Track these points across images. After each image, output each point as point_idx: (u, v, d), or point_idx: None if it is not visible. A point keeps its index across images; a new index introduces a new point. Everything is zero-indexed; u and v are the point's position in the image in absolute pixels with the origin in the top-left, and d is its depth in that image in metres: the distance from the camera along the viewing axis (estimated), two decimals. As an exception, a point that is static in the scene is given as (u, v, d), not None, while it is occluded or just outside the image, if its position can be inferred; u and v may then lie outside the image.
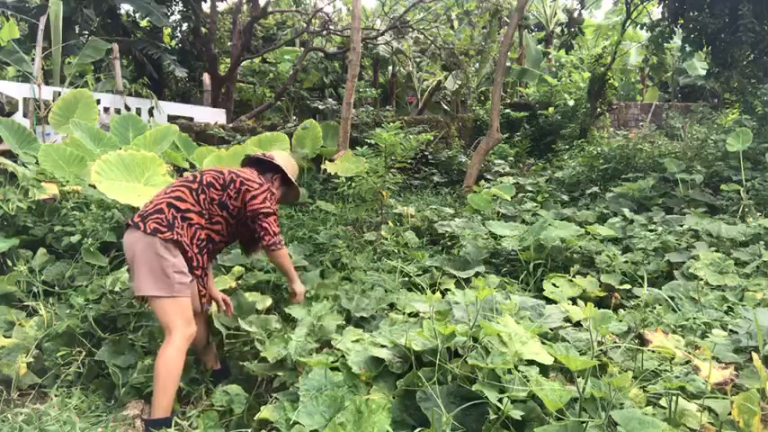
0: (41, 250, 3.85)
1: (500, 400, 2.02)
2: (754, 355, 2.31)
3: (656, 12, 11.32)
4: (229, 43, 14.01)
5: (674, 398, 2.21)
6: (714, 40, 8.38)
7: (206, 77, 12.25)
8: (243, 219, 2.96)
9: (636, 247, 4.90)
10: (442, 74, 14.91)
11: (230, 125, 9.52)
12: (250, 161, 3.27)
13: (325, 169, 7.08)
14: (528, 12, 17.25)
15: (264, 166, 3.21)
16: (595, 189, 7.68)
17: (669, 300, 3.66)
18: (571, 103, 12.70)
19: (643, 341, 2.88)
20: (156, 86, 11.97)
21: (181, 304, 2.66)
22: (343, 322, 3.28)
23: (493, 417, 2.02)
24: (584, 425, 1.97)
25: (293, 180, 3.26)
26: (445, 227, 5.54)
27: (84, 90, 6.58)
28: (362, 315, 3.49)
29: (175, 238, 2.66)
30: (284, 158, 3.29)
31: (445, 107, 14.90)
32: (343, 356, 2.50)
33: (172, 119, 9.26)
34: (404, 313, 3.38)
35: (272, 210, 2.98)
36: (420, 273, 4.51)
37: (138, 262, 2.64)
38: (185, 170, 6.12)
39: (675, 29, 8.85)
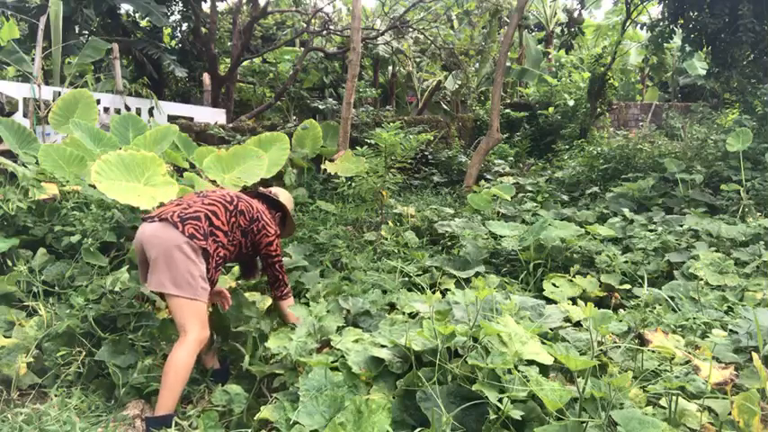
0: (41, 250, 3.84)
1: (500, 400, 2.01)
2: (754, 355, 2.31)
3: (655, 11, 11.33)
4: (229, 43, 14.01)
5: (674, 398, 2.21)
6: (714, 40, 8.38)
7: (206, 77, 12.25)
8: (252, 250, 3.17)
9: (636, 247, 4.90)
10: (441, 74, 14.91)
11: (230, 125, 9.51)
12: (260, 196, 3.46)
13: (325, 169, 7.09)
14: (528, 12, 17.25)
15: (269, 201, 3.43)
16: (595, 189, 7.68)
17: (669, 300, 3.66)
18: (571, 103, 12.70)
19: (643, 341, 2.88)
20: (156, 86, 11.95)
21: (199, 308, 2.70)
22: (343, 323, 3.28)
23: (493, 417, 2.02)
24: (584, 425, 1.97)
25: (293, 220, 3.58)
26: (445, 227, 5.54)
27: (84, 90, 6.57)
28: (362, 315, 3.49)
29: (207, 248, 2.75)
30: (285, 197, 3.53)
31: (445, 107, 14.90)
32: (343, 356, 2.50)
33: (172, 119, 9.25)
34: (404, 313, 3.38)
35: (281, 255, 3.30)
36: (420, 273, 4.51)
37: (165, 259, 2.65)
38: (185, 170, 6.12)
39: (675, 29, 8.85)
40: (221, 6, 15.16)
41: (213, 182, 5.33)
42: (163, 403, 2.58)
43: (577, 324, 3.29)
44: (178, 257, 2.65)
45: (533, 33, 19.42)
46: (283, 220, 3.52)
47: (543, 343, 2.43)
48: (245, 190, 4.08)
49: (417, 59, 15.40)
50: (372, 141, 5.76)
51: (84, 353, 3.04)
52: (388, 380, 2.37)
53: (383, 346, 2.53)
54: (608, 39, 18.98)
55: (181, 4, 13.14)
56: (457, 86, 14.57)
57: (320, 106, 11.88)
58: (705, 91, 15.27)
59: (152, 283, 2.70)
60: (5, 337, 3.08)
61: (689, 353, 2.72)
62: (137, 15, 13.53)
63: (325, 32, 13.18)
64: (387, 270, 4.48)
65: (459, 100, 15.21)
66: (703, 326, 3.21)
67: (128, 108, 8.61)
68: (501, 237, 5.16)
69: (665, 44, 9.35)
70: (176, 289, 2.64)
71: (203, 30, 12.38)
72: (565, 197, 7.75)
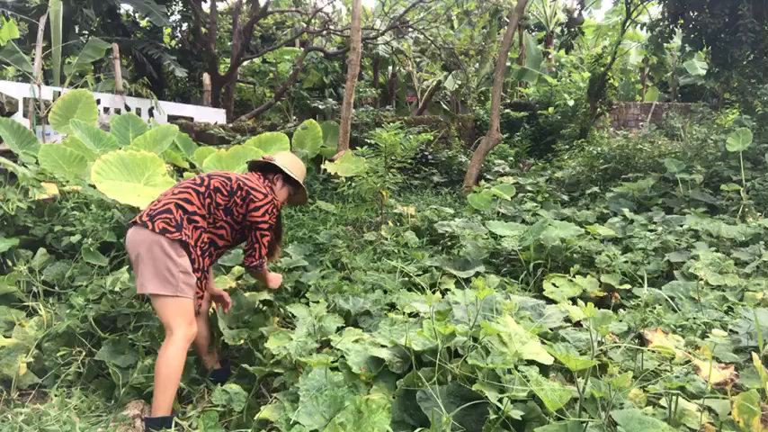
0: (41, 250, 3.85)
1: (500, 400, 2.01)
2: (754, 355, 2.31)
3: (655, 11, 11.32)
4: (229, 43, 14.01)
5: (674, 398, 2.21)
6: (714, 40, 8.38)
7: (206, 77, 12.25)
8: (246, 225, 2.98)
9: (636, 247, 4.90)
10: (441, 74, 14.91)
11: (230, 125, 9.52)
12: (254, 165, 3.28)
13: (326, 169, 7.09)
14: (528, 12, 17.25)
15: (267, 168, 3.22)
16: (595, 189, 7.68)
17: (669, 300, 3.66)
18: (571, 103, 12.69)
19: (643, 341, 2.89)
20: (156, 86, 11.97)
21: (184, 304, 2.67)
22: (343, 323, 3.28)
23: (493, 417, 2.02)
24: (584, 425, 1.97)
25: (297, 179, 3.24)
26: (445, 227, 5.54)
27: (84, 90, 6.58)
28: (362, 315, 3.49)
29: (183, 238, 2.67)
30: (287, 159, 3.28)
31: (445, 107, 14.90)
32: (343, 356, 2.50)
33: (172, 119, 9.25)
34: (404, 313, 3.38)
35: (268, 224, 3.01)
36: (420, 273, 4.51)
37: (144, 260, 2.63)
38: (185, 170, 6.12)
39: (675, 29, 8.85)
40: (221, 6, 15.20)
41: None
42: (159, 404, 2.57)
43: (577, 324, 3.29)
44: (155, 256, 2.62)
45: (533, 33, 19.40)
46: (289, 183, 3.25)
47: (543, 343, 2.43)
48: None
49: (417, 59, 15.40)
50: (372, 141, 5.76)
51: (84, 353, 3.04)
52: (388, 380, 2.37)
53: (383, 346, 2.53)
54: (608, 39, 18.97)
55: (181, 4, 13.16)
56: (457, 86, 14.57)
57: (320, 106, 11.88)
58: (705, 91, 15.27)
59: (137, 286, 2.69)
60: (5, 337, 3.08)
61: (689, 353, 2.72)
62: (137, 15, 13.55)
63: (325, 32, 13.18)
64: (387, 270, 4.48)
65: (459, 100, 15.21)
66: (703, 326, 3.21)
67: (128, 108, 8.61)
68: (501, 237, 5.16)
69: (665, 44, 9.34)
70: (156, 288, 2.61)
71: (203, 30, 12.38)
72: (565, 197, 7.75)
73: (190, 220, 2.76)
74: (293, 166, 3.27)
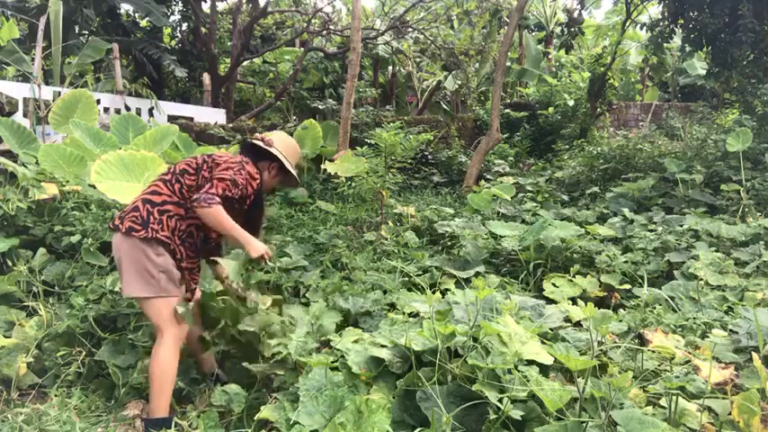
0: (41, 250, 3.85)
1: (500, 400, 2.01)
2: (754, 355, 2.31)
3: (655, 11, 11.32)
4: (229, 43, 14.01)
5: (674, 398, 2.21)
6: (714, 40, 8.38)
7: (206, 77, 12.25)
8: (229, 202, 2.65)
9: (636, 247, 4.90)
10: (441, 74, 14.91)
11: (230, 125, 9.52)
12: (246, 149, 2.98)
13: (326, 169, 7.08)
14: (528, 12, 17.23)
15: (260, 154, 2.94)
16: (595, 189, 7.68)
17: (669, 300, 3.66)
18: (571, 103, 12.68)
19: (643, 341, 2.89)
20: (156, 86, 11.97)
21: (170, 304, 2.61)
22: (343, 322, 3.28)
23: (493, 417, 2.02)
24: (584, 425, 1.97)
25: (292, 167, 2.98)
26: (445, 227, 5.54)
27: (84, 90, 6.58)
28: (362, 315, 3.49)
29: (150, 235, 2.56)
30: (284, 143, 3.00)
31: (445, 107, 14.90)
32: (343, 356, 2.50)
33: (172, 119, 9.25)
34: (404, 313, 3.38)
35: (230, 179, 2.62)
36: (420, 273, 4.51)
37: (123, 263, 2.59)
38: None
39: (675, 29, 8.85)
40: (221, 6, 15.19)
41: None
42: (155, 406, 2.56)
43: (577, 324, 3.29)
44: (132, 257, 2.56)
45: (533, 33, 19.39)
46: (283, 172, 3.00)
47: (543, 343, 2.43)
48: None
49: (417, 59, 15.39)
50: (372, 141, 5.77)
51: (84, 353, 3.04)
52: (388, 380, 2.37)
53: (383, 346, 2.53)
54: (608, 39, 18.96)
55: (181, 4, 13.16)
56: (457, 86, 14.56)
57: (320, 106, 11.87)
58: (705, 91, 15.27)
59: (122, 291, 2.66)
60: (5, 337, 3.08)
61: (689, 353, 2.72)
62: (137, 15, 13.55)
63: (325, 32, 13.18)
64: (387, 270, 4.48)
65: (459, 100, 15.20)
66: (703, 326, 3.21)
67: (128, 108, 8.61)
68: (501, 237, 5.16)
69: (665, 44, 9.34)
70: (139, 290, 2.57)
71: (203, 30, 12.38)
72: (565, 197, 7.75)
73: (161, 212, 2.63)
74: (286, 145, 3.00)
